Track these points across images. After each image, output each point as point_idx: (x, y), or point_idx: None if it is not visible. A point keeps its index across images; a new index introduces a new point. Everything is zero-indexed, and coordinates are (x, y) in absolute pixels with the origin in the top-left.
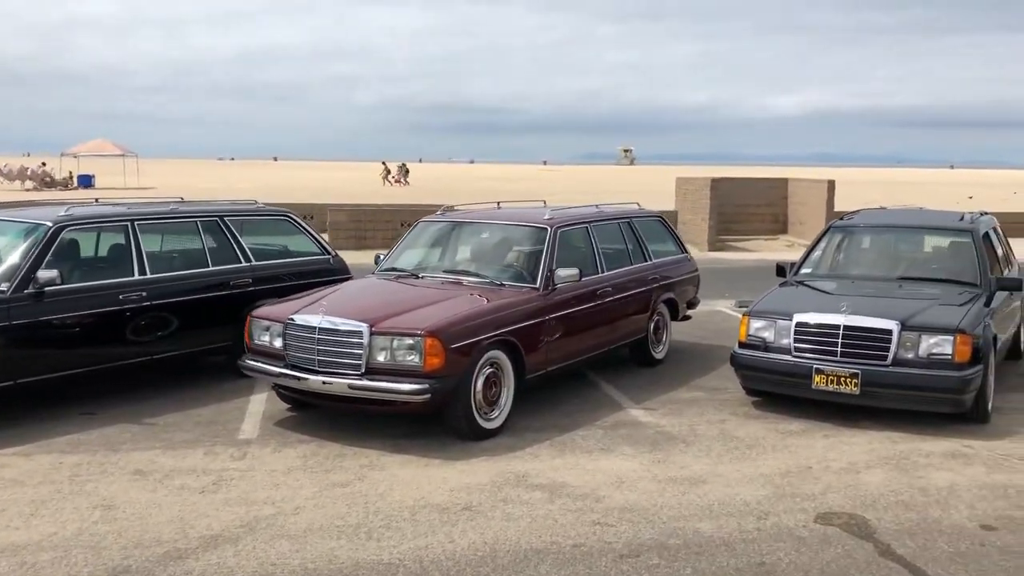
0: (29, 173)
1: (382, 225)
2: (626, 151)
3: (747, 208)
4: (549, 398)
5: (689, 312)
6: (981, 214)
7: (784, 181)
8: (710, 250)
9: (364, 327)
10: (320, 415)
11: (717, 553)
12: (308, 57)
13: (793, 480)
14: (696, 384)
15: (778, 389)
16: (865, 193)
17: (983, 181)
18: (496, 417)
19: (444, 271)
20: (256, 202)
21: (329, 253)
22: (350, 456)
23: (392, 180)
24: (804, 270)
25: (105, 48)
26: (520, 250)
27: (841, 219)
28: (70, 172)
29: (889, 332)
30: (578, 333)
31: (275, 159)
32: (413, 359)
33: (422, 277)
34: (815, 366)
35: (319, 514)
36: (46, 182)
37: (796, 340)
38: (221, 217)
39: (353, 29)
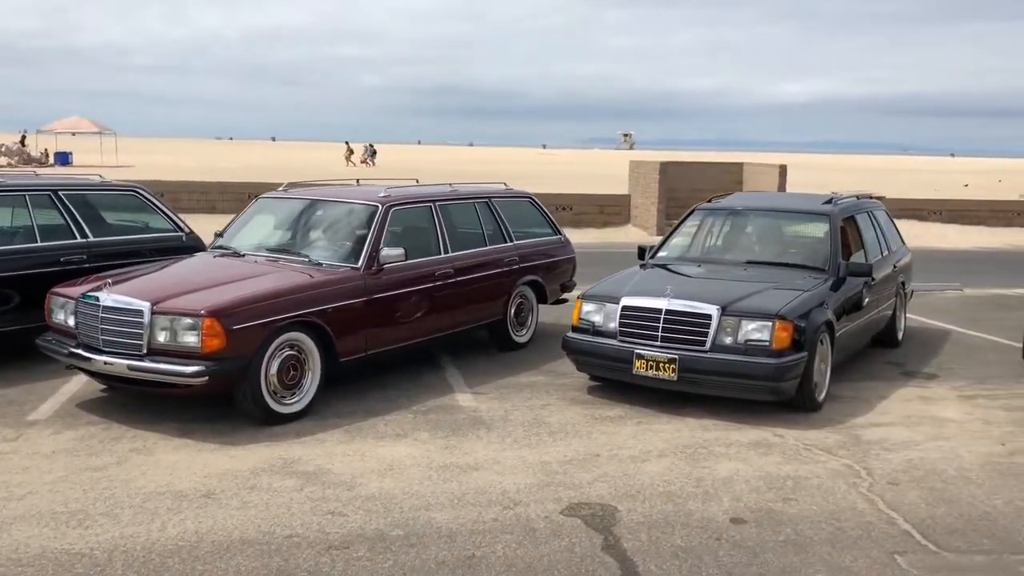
0: (3, 150)
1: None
2: (626, 136)
3: (701, 192)
4: (380, 381)
5: (565, 296)
6: (857, 197)
7: (739, 166)
8: (659, 234)
9: (146, 306)
10: (129, 396)
11: (432, 545)
12: (314, 39)
13: (571, 468)
14: (546, 368)
15: (605, 374)
16: (849, 180)
17: (978, 169)
18: (295, 402)
19: (267, 249)
20: (101, 177)
21: (183, 230)
22: (127, 439)
23: (359, 161)
24: (661, 253)
25: (109, 26)
26: (348, 229)
27: (709, 201)
28: (45, 149)
29: (708, 317)
30: (410, 316)
31: (273, 139)
32: (192, 340)
33: (243, 255)
34: (636, 351)
35: (46, 500)
36: (24, 159)
37: (621, 324)
38: (55, 191)
39: (359, 11)
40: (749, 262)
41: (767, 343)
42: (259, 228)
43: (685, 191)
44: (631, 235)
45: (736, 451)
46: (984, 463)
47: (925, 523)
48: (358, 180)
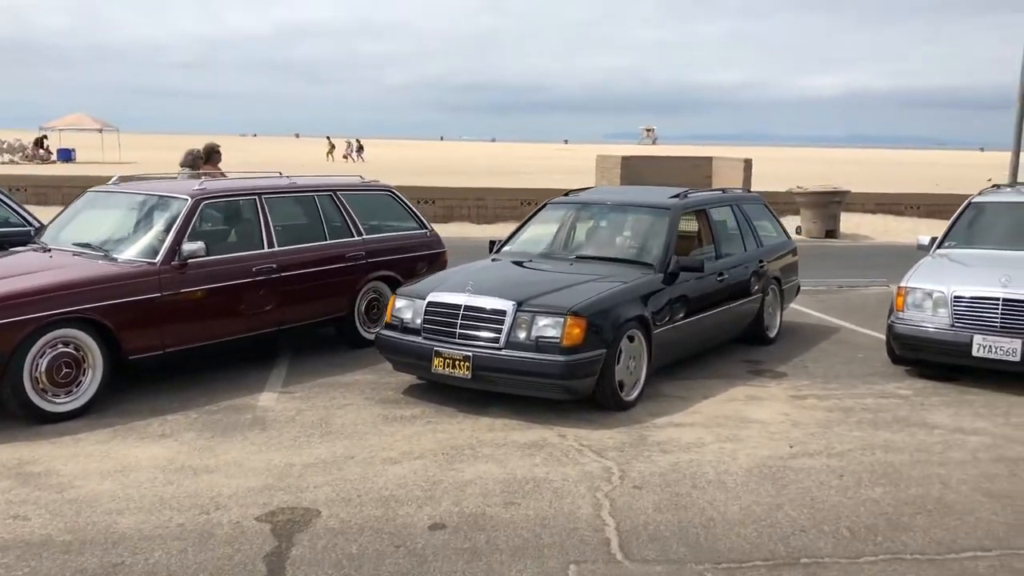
0: (5, 147)
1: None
2: (648, 130)
3: (671, 186)
4: (193, 378)
5: None
6: (717, 191)
7: (709, 160)
8: None
9: None
10: None
11: (89, 552)
12: (340, 34)
13: (310, 471)
14: (378, 368)
15: (413, 372)
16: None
17: (1005, 163)
18: (69, 400)
19: (75, 244)
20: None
21: (31, 224)
22: None
23: (343, 155)
24: (507, 247)
25: (139, 24)
26: (156, 222)
27: (566, 195)
28: (48, 146)
29: (503, 313)
30: (223, 313)
31: (297, 136)
32: None
33: (49, 250)
34: (435, 348)
35: None
36: (31, 156)
37: (425, 321)
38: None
39: (386, 7)
40: (579, 257)
41: (558, 340)
42: (81, 222)
43: (654, 185)
44: None
45: (503, 452)
46: (755, 467)
47: (634, 531)
48: (279, 173)
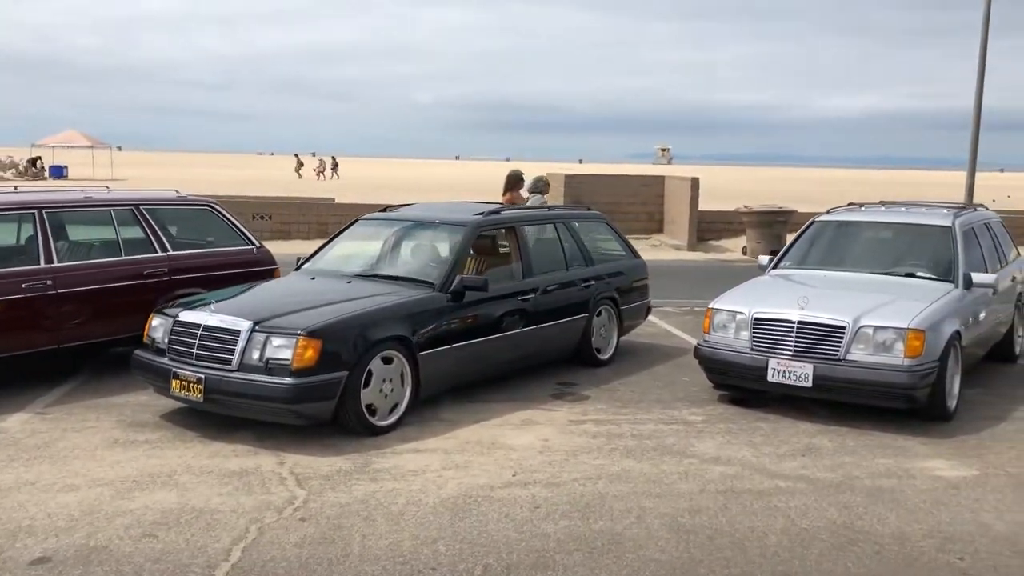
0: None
1: None
2: (663, 150)
3: (621, 206)
4: None
5: None
6: (546, 207)
7: (661, 179)
8: None
9: None
10: None
11: None
12: (363, 55)
13: None
14: None
15: (163, 393)
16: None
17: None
18: None
19: None
20: None
21: None
22: None
23: (315, 173)
24: (307, 264)
25: (166, 44)
26: None
27: (383, 211)
28: (41, 165)
29: (237, 333)
30: None
31: (313, 154)
32: None
33: None
34: (174, 370)
35: None
36: (32, 174)
37: (170, 341)
38: None
39: (408, 28)
40: (357, 275)
41: (288, 362)
42: None
43: (603, 205)
44: None
45: (199, 480)
46: (453, 497)
47: (251, 567)
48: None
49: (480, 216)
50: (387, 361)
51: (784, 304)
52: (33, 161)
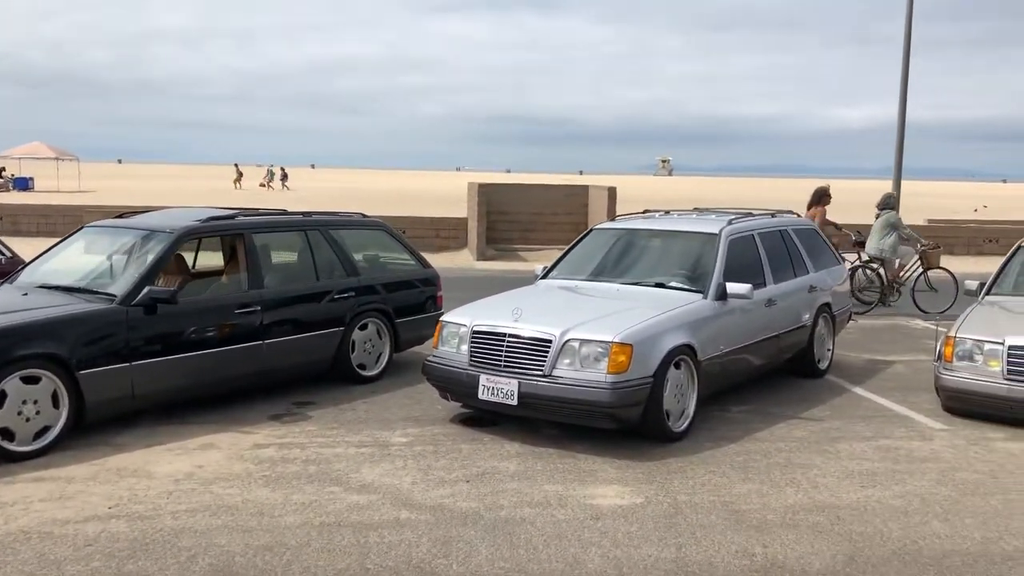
0: None
1: None
2: (664, 161)
3: (544, 216)
4: None
5: None
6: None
7: (585, 189)
8: (478, 259)
9: None
10: None
11: None
12: (374, 69)
13: None
14: None
15: None
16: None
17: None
18: None
19: None
20: None
21: None
22: None
23: (260, 184)
24: (23, 275)
25: (180, 58)
26: None
27: (118, 217)
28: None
29: None
30: None
31: (312, 167)
32: None
33: None
34: None
35: None
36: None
37: None
38: None
39: (420, 41)
40: (41, 286)
41: None
42: None
43: (527, 215)
44: (460, 260)
45: None
46: (14, 532)
47: None
48: None
49: (192, 224)
50: (31, 381)
51: (501, 316)
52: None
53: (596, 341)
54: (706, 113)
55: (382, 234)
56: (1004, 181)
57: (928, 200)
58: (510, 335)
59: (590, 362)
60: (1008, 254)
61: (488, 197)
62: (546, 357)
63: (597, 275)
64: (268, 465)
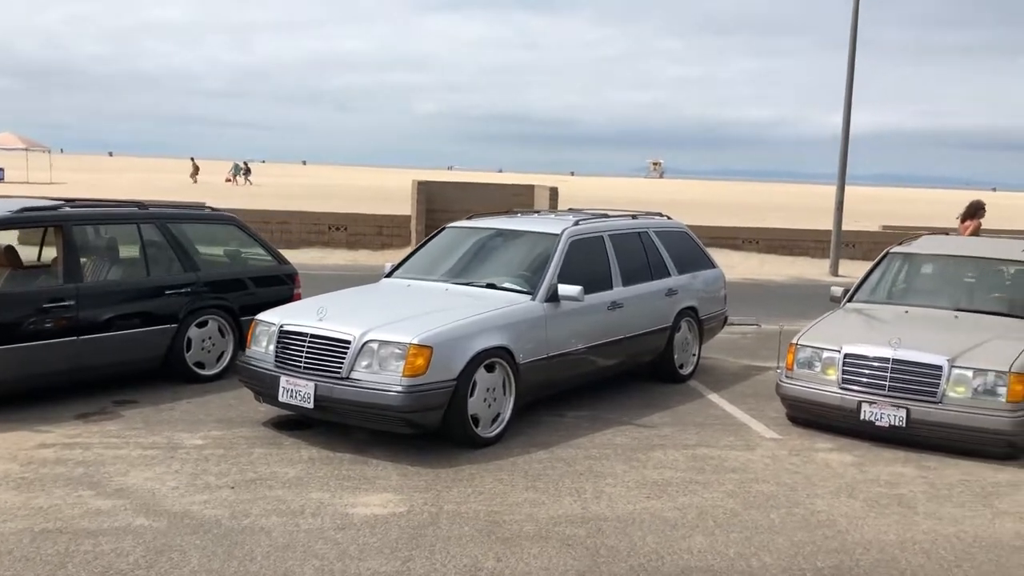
0: None
1: None
2: (655, 164)
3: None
4: None
5: None
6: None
7: (531, 188)
8: None
9: None
10: None
11: None
12: (368, 65)
13: None
14: None
15: None
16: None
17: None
18: None
19: None
20: None
21: None
22: None
23: (225, 179)
24: None
25: (175, 52)
26: None
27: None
28: None
29: None
30: None
31: (304, 163)
32: None
33: None
34: None
35: None
36: None
37: None
38: None
39: (414, 39)
40: None
41: None
42: None
43: (467, 213)
44: (399, 258)
45: None
46: None
47: None
48: None
49: (9, 213)
50: None
51: (308, 315)
52: None
53: (394, 342)
54: (702, 116)
55: (233, 228)
56: (994, 190)
57: (919, 207)
58: (312, 335)
59: (387, 364)
60: (876, 260)
61: (429, 195)
62: (344, 358)
63: (437, 274)
64: (35, 466)
